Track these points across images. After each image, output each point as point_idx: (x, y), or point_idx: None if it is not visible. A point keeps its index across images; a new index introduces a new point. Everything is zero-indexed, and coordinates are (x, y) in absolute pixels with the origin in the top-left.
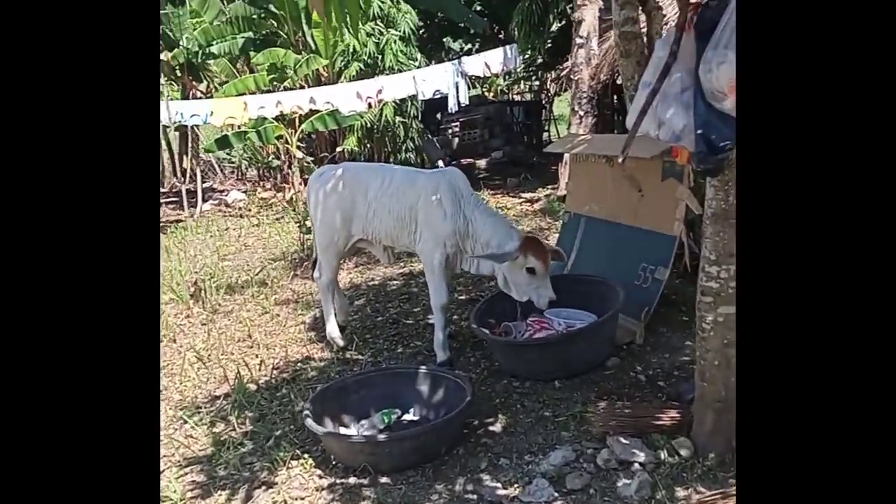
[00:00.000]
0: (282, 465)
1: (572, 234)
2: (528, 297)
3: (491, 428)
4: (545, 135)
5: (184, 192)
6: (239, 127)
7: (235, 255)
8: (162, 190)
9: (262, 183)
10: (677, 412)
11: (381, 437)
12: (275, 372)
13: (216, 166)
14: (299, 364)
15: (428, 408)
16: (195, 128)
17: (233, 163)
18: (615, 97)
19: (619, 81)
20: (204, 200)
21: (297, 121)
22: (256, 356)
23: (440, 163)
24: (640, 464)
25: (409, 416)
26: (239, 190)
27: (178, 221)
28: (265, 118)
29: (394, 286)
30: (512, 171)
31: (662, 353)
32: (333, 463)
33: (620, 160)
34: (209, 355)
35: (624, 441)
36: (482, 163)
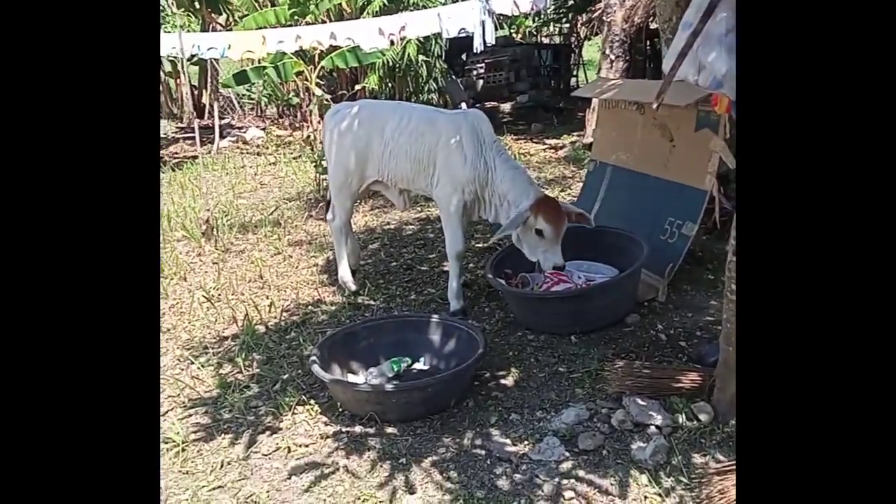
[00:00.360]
0: (287, 410)
1: (597, 184)
2: (536, 258)
3: (503, 381)
4: (573, 80)
5: (196, 128)
6: (258, 62)
7: (251, 194)
8: (180, 125)
9: (280, 121)
10: (698, 375)
11: (389, 386)
12: (284, 314)
13: (235, 102)
14: (310, 307)
15: (439, 358)
16: (214, 62)
17: (252, 99)
18: (648, 42)
19: (654, 25)
20: (222, 137)
21: (316, 57)
22: (267, 297)
23: (463, 105)
24: (657, 427)
25: (419, 366)
26: (257, 127)
27: (194, 157)
28: (284, 53)
29: (409, 231)
30: (537, 115)
31: (685, 312)
32: (340, 410)
33: (655, 107)
34: (219, 295)
35: (641, 402)
36: (507, 106)
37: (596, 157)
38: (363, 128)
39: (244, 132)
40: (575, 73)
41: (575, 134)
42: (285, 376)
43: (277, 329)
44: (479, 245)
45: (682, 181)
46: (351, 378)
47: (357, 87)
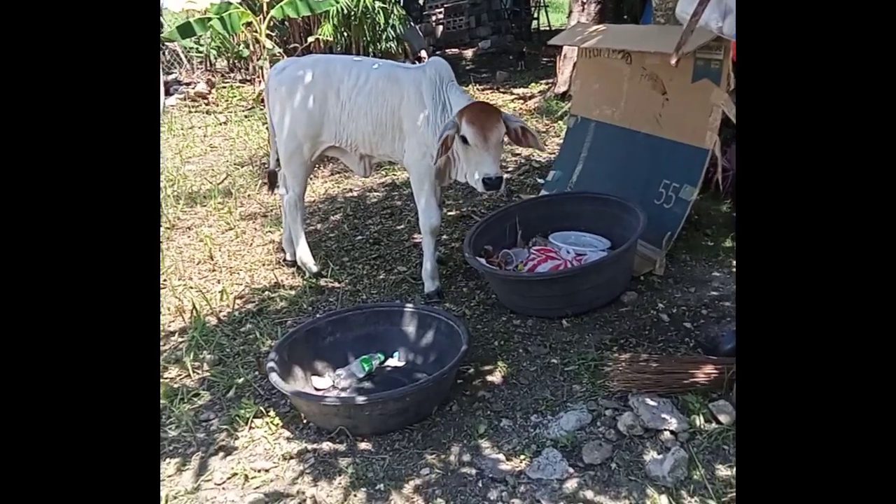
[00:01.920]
0: (243, 424)
1: (579, 142)
2: (472, 180)
3: (489, 378)
4: (534, 23)
5: None
6: (203, 12)
7: (199, 159)
8: None
9: (231, 74)
10: (714, 368)
11: (360, 399)
12: (238, 302)
13: (183, 56)
14: (266, 292)
15: (415, 352)
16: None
17: (201, 53)
18: None
19: None
20: (169, 94)
21: (265, 6)
22: (218, 282)
23: (423, 52)
24: (672, 432)
25: (393, 362)
26: (207, 82)
27: None
28: (230, 3)
29: (374, 199)
30: (501, 62)
31: (687, 286)
32: (304, 423)
33: (674, 61)
34: (165, 281)
35: (650, 402)
36: (468, 53)
37: (577, 112)
38: (315, 87)
39: (192, 88)
40: (536, 15)
41: (543, 82)
42: (240, 380)
43: (230, 321)
44: (452, 213)
45: (678, 139)
46: (316, 382)
47: (311, 38)
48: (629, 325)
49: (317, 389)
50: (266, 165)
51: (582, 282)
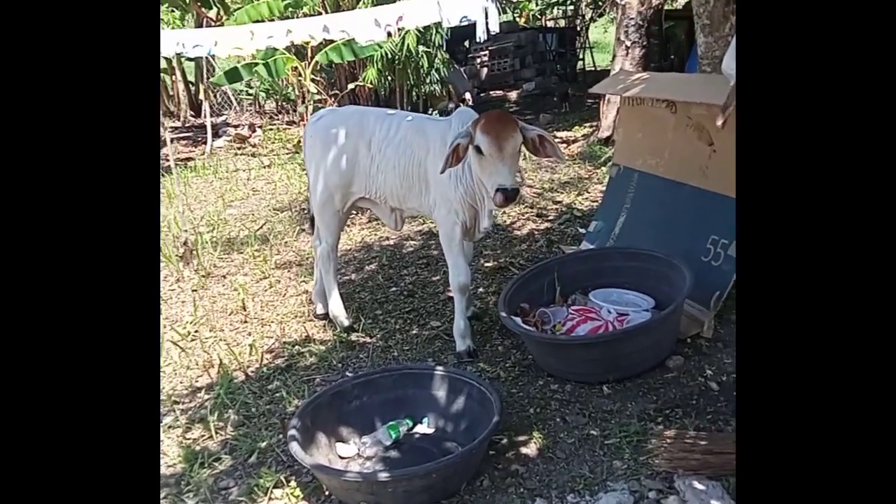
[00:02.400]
0: (262, 495)
1: (622, 193)
2: (486, 191)
3: (523, 450)
4: (579, 63)
5: (161, 127)
6: (252, 57)
7: (241, 203)
8: (176, 124)
9: (279, 116)
10: None
11: (383, 475)
12: (267, 357)
13: (233, 98)
14: (296, 347)
15: (445, 418)
16: (210, 58)
17: (251, 94)
18: (662, 25)
19: (672, 5)
20: (218, 136)
21: (309, 52)
22: (249, 334)
23: (467, 95)
24: None
25: (422, 428)
26: (249, 126)
27: (188, 160)
28: (276, 49)
29: (411, 248)
30: (545, 103)
31: None
32: (326, 495)
33: (720, 123)
34: (195, 332)
35: (698, 486)
36: (513, 95)
37: (619, 161)
38: (348, 138)
39: (241, 130)
40: (581, 56)
41: (588, 125)
42: (263, 444)
43: (258, 377)
44: (490, 264)
45: (726, 192)
46: (341, 449)
47: (350, 85)
48: (675, 394)
49: (341, 458)
50: (306, 211)
51: (624, 346)
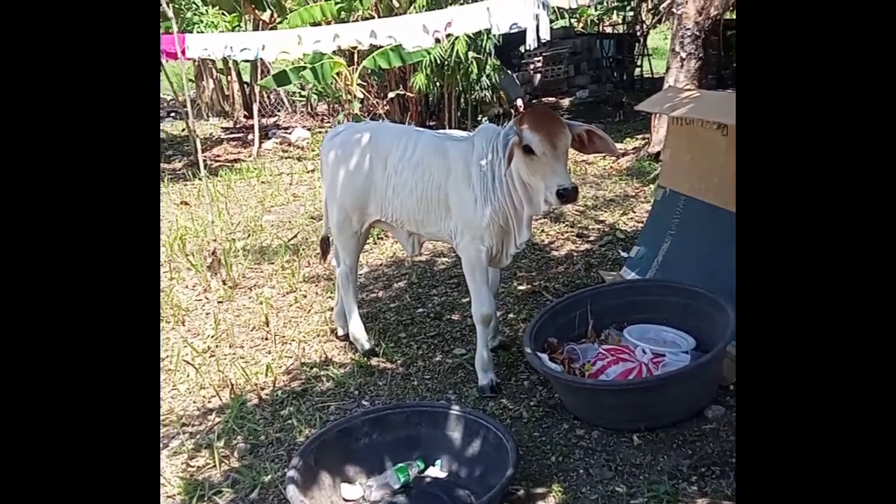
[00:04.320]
0: None
1: (667, 217)
2: (541, 204)
3: None
4: (637, 70)
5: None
6: (300, 60)
7: (281, 208)
8: (228, 125)
9: (331, 118)
10: None
11: None
12: (283, 379)
13: (285, 100)
14: (314, 369)
15: (459, 462)
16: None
17: (304, 96)
18: (723, 36)
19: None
20: (268, 137)
21: (355, 56)
22: (268, 353)
23: (519, 101)
24: None
25: (433, 471)
26: (304, 127)
27: (236, 161)
28: (323, 53)
29: (442, 265)
30: (598, 111)
31: None
32: None
33: None
34: (215, 347)
35: None
36: (565, 102)
37: (665, 183)
38: (364, 156)
39: (290, 132)
40: (639, 63)
41: (640, 137)
42: (267, 478)
43: (272, 401)
44: (523, 287)
45: None
46: (345, 491)
47: (391, 94)
48: (713, 449)
49: (345, 501)
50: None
51: (658, 394)
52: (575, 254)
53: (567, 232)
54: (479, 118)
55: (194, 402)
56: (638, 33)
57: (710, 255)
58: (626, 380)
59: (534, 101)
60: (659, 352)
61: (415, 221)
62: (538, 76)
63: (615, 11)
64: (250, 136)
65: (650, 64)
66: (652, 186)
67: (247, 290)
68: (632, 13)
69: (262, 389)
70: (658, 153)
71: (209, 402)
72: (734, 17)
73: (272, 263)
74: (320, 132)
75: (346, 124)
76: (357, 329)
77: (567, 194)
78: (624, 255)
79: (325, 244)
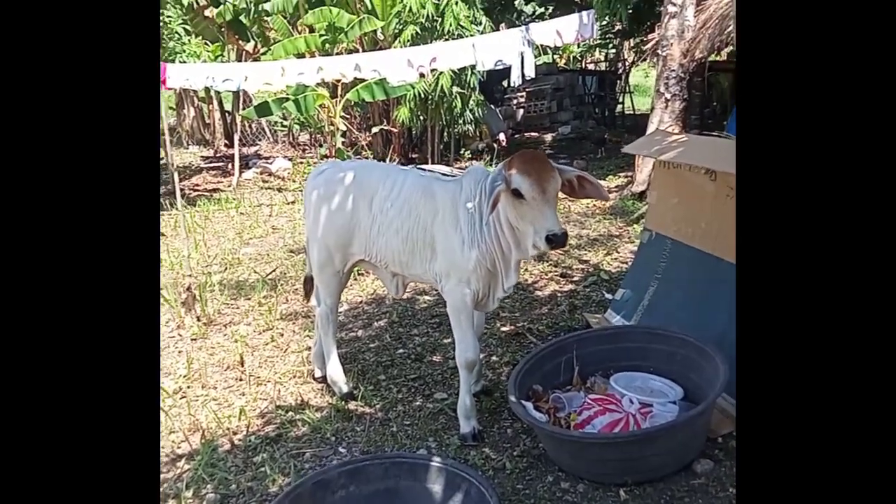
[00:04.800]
0: None
1: (653, 261)
2: (529, 249)
3: None
4: (618, 107)
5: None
6: (283, 92)
7: (260, 241)
8: (208, 153)
9: (313, 149)
10: None
11: None
12: (257, 423)
13: (267, 130)
14: (290, 413)
15: None
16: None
17: (286, 126)
18: (706, 79)
19: (718, 56)
20: (248, 167)
21: (339, 89)
22: (242, 394)
23: (501, 136)
24: None
25: None
26: (285, 157)
27: (215, 191)
28: (307, 86)
29: (424, 304)
30: (581, 147)
31: None
32: None
33: None
34: (187, 388)
35: None
36: (548, 137)
37: (652, 226)
38: (348, 195)
39: (271, 162)
40: (621, 99)
41: (623, 175)
42: None
43: (244, 447)
44: (506, 329)
45: None
46: None
47: (374, 129)
48: None
49: None
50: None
51: (645, 448)
52: (559, 294)
53: (551, 272)
54: (461, 152)
55: (162, 447)
56: (619, 70)
57: (697, 301)
58: (613, 432)
59: (516, 135)
60: (646, 402)
61: (399, 262)
62: (521, 111)
63: (597, 48)
64: (230, 166)
65: (632, 101)
66: (636, 226)
67: (222, 326)
68: (614, 50)
69: (235, 434)
70: (642, 192)
71: (178, 447)
72: (717, 59)
73: (249, 299)
74: (302, 162)
75: (330, 162)
76: (335, 371)
77: (556, 240)
78: (609, 297)
79: (309, 284)
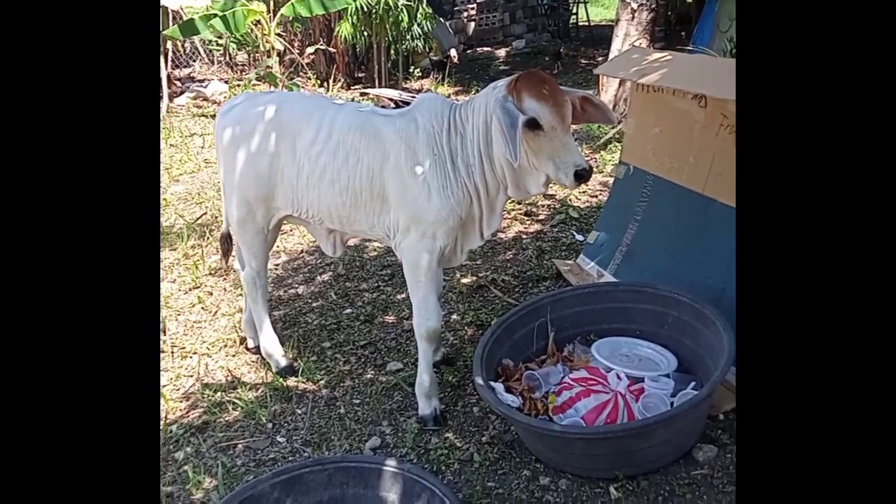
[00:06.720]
0: None
1: (631, 199)
2: (536, 187)
3: None
4: (572, 18)
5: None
6: (206, 10)
7: (191, 177)
8: None
9: (251, 69)
10: None
11: None
12: (180, 408)
13: (201, 50)
14: (219, 393)
15: None
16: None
17: (221, 45)
18: None
19: None
20: (179, 93)
21: (271, 4)
22: (164, 371)
23: (452, 52)
24: None
25: None
26: (221, 80)
27: None
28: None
29: (374, 252)
30: (536, 63)
31: None
32: None
33: None
34: None
35: None
36: (501, 53)
37: (629, 160)
38: (268, 135)
39: (205, 86)
40: (574, 10)
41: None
42: None
43: (164, 440)
44: (467, 281)
45: None
46: None
47: (310, 48)
48: (704, 499)
49: None
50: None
51: (639, 441)
52: (524, 236)
53: (514, 210)
54: (410, 70)
55: None
56: None
57: (685, 247)
58: (603, 426)
59: (468, 51)
60: (636, 376)
61: (338, 218)
62: (472, 25)
63: None
64: (160, 91)
65: (586, 11)
66: (603, 154)
67: None
68: None
69: None
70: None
71: None
72: None
73: (174, 250)
74: (239, 85)
75: (245, 94)
76: (270, 343)
77: (585, 174)
78: (580, 238)
79: (227, 241)
